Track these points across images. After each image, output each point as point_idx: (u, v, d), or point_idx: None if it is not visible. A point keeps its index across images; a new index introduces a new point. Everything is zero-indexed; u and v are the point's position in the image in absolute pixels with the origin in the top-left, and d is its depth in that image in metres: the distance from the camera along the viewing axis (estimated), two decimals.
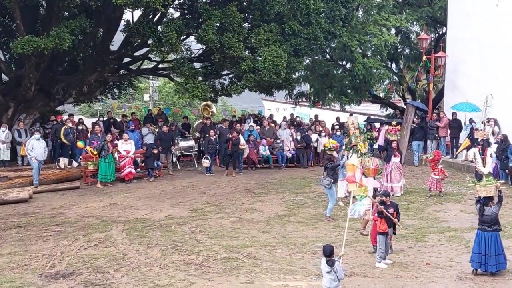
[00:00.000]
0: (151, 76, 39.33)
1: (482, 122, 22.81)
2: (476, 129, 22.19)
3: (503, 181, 20.44)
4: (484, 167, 13.65)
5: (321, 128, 26.12)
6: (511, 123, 21.69)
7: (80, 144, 22.42)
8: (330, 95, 28.90)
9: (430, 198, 18.91)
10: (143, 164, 22.52)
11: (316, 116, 29.22)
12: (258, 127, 26.05)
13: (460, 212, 17.24)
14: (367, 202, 13.45)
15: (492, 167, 20.43)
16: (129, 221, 16.42)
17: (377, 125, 27.45)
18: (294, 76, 26.98)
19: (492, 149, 18.58)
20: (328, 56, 29.39)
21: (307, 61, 28.15)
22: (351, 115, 27.77)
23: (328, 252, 10.22)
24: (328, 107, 32.94)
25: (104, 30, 25.08)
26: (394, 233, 13.04)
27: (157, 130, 24.22)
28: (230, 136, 23.17)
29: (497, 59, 23.54)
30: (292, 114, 30.68)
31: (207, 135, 23.68)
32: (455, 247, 14.06)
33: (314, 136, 25.36)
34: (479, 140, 20.44)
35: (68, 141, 23.03)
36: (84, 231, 15.46)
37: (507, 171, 20.48)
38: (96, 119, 28.52)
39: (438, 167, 19.02)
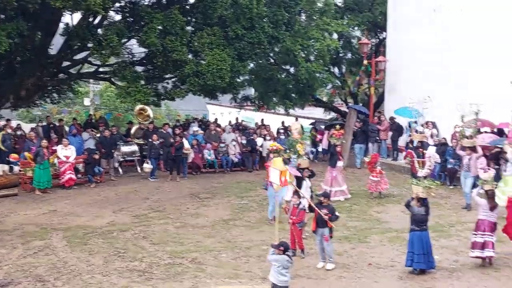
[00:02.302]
0: (91, 80, 38.76)
1: (421, 125, 23.36)
2: (416, 131, 22.69)
3: (441, 183, 21.08)
4: (422, 169, 14.02)
5: (266, 132, 26.30)
6: (448, 126, 22.30)
7: (14, 156, 21.88)
8: (274, 99, 29.12)
9: (372, 200, 19.32)
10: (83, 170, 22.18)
11: (262, 120, 29.39)
12: (202, 131, 26.02)
13: (401, 213, 17.59)
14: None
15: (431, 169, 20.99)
16: (70, 228, 16.16)
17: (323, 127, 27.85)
18: (238, 80, 27.03)
19: (431, 152, 19.09)
20: (272, 60, 29.61)
21: (251, 65, 28.28)
22: (296, 119, 28.11)
23: (289, 248, 10.65)
24: (273, 111, 33.18)
25: (43, 33, 24.59)
26: (331, 236, 13.13)
27: (98, 135, 23.90)
28: (173, 140, 23.08)
29: (435, 63, 24.20)
30: (237, 118, 30.80)
31: (149, 140, 23.49)
32: (396, 247, 14.41)
33: (259, 140, 25.51)
34: (416, 142, 20.93)
35: (5, 147, 22.50)
36: (23, 239, 15.14)
37: (446, 172, 21.10)
38: (35, 124, 27.92)
39: (376, 169, 19.49)
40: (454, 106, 18.56)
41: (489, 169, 16.04)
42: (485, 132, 20.96)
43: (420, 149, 17.40)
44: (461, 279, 12.36)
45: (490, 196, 13.19)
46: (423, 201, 12.57)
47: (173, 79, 26.01)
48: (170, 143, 23.19)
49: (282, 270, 10.44)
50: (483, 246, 12.92)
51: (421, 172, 13.74)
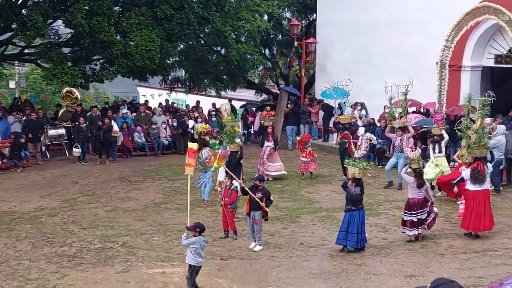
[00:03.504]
0: (16, 62, 37.60)
1: (351, 106, 23.78)
2: (342, 113, 23.05)
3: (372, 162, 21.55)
4: (356, 150, 14.29)
5: (197, 114, 26.18)
6: (377, 107, 22.80)
7: None
8: (205, 80, 28.97)
9: (303, 180, 19.58)
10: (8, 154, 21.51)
11: (197, 102, 29.09)
12: (134, 113, 25.65)
13: (332, 193, 18.00)
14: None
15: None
16: None
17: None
18: (168, 61, 26.79)
19: (362, 132, 19.44)
20: (202, 41, 29.39)
21: (181, 46, 28.02)
22: (230, 101, 28.13)
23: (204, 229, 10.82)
24: (204, 92, 33.02)
25: None
26: (266, 219, 13.29)
27: (24, 118, 23.21)
28: (101, 123, 22.67)
29: (364, 44, 24.64)
30: (167, 100, 30.51)
31: (77, 123, 22.97)
32: (327, 226, 14.69)
33: (190, 122, 25.38)
34: (344, 124, 21.28)
35: None
36: None
37: (374, 152, 21.58)
38: None
39: (306, 149, 19.76)
40: (381, 87, 18.97)
41: (415, 148, 16.52)
42: (413, 112, 21.54)
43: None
44: (389, 256, 12.71)
45: (417, 174, 13.59)
46: (358, 181, 12.87)
47: (101, 61, 25.53)
48: (98, 126, 22.77)
49: (200, 251, 10.51)
50: (414, 224, 13.32)
51: (357, 153, 14.00)
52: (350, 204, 12.81)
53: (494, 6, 18.75)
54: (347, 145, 16.94)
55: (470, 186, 13.71)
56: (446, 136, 17.65)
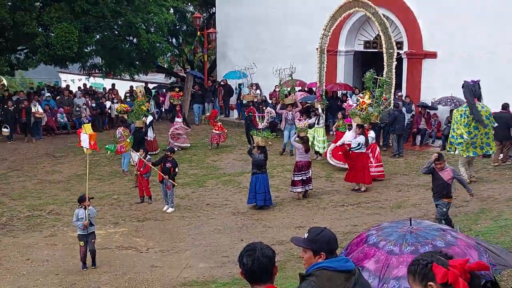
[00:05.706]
0: None
1: (247, 87, 23.89)
2: (244, 95, 23.18)
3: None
4: (261, 122, 14.61)
5: (113, 96, 25.52)
6: (268, 86, 23.06)
7: None
8: (120, 66, 28.12)
9: (209, 150, 19.56)
10: None
11: (113, 85, 28.29)
12: (58, 96, 24.65)
13: (233, 160, 18.11)
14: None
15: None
16: None
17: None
18: (86, 50, 25.78)
19: (270, 109, 19.58)
20: (116, 32, 28.46)
21: (97, 36, 27.04)
22: (146, 84, 27.50)
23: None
24: (119, 77, 32.09)
25: None
26: (174, 185, 13.22)
27: None
28: (22, 105, 21.68)
29: (258, 34, 24.70)
30: (84, 84, 29.54)
31: (5, 106, 21.79)
32: (229, 189, 14.81)
33: (107, 103, 24.71)
34: (247, 101, 21.39)
35: None
36: None
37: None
38: None
39: (217, 123, 19.80)
40: (272, 71, 19.20)
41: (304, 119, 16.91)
42: (299, 91, 21.91)
43: (261, 106, 17.76)
44: (282, 211, 13.00)
45: (304, 141, 13.93)
46: (262, 149, 13.03)
47: (25, 50, 24.41)
48: (21, 108, 21.73)
49: (76, 222, 10.23)
50: (301, 183, 13.67)
51: (261, 125, 14.25)
52: (256, 168, 12.98)
53: (362, 0, 19.25)
54: (252, 118, 17.17)
55: (363, 149, 14.22)
56: (319, 111, 18.18)
